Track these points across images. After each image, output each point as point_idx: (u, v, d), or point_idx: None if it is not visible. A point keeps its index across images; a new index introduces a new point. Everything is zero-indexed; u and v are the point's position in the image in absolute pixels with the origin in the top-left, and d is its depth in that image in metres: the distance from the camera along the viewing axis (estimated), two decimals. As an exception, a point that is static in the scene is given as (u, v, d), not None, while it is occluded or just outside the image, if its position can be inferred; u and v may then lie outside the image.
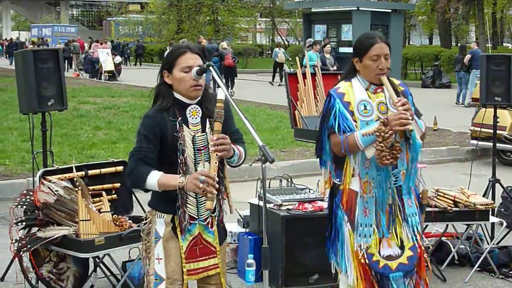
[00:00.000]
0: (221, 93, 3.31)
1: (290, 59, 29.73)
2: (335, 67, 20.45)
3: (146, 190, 3.42)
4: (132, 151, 3.42)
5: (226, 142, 3.31)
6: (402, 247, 3.80)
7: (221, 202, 3.58)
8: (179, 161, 3.40)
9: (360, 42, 3.86)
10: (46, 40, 43.69)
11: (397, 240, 3.80)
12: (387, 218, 3.79)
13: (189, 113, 3.46)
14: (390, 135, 3.61)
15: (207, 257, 3.56)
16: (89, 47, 32.72)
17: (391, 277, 3.76)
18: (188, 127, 3.43)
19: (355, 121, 3.74)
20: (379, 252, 3.77)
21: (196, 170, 3.42)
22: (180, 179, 3.29)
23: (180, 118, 3.42)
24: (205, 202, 3.37)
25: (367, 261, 3.75)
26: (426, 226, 5.88)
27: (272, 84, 28.04)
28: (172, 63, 3.45)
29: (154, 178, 3.32)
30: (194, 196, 3.46)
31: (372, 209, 3.78)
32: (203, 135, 3.46)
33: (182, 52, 3.44)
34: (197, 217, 3.49)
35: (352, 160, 3.78)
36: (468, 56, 20.43)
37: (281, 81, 28.15)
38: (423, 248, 3.91)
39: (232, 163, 3.49)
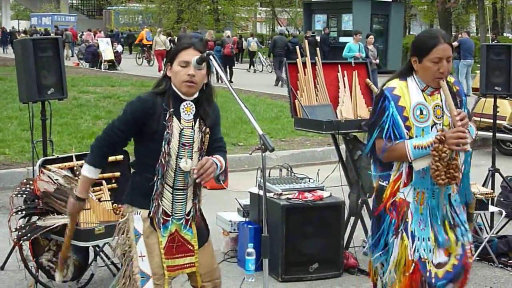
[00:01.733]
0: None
1: (262, 47, 30.44)
2: (377, 60, 18.15)
3: None
4: (110, 125, 3.48)
5: (207, 168, 3.36)
6: (449, 254, 3.60)
7: (197, 206, 3.59)
8: (163, 150, 3.40)
9: (422, 40, 3.48)
10: (47, 29, 43.65)
11: (451, 248, 3.58)
12: (444, 229, 3.57)
13: (182, 108, 3.46)
14: (447, 154, 3.31)
15: (183, 255, 3.55)
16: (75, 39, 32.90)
17: (438, 285, 3.53)
18: (179, 121, 3.44)
19: (409, 126, 3.44)
20: (432, 261, 3.54)
21: (177, 164, 3.43)
22: (78, 195, 3.59)
23: (172, 109, 3.42)
24: (182, 201, 3.48)
25: (422, 272, 3.50)
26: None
27: (249, 71, 29.43)
28: (173, 56, 3.48)
29: (84, 171, 3.53)
30: (171, 192, 3.47)
31: (427, 221, 3.53)
32: (191, 132, 3.47)
33: (185, 47, 3.46)
34: (171, 214, 3.49)
35: (403, 169, 3.51)
36: (453, 44, 20.35)
37: (254, 67, 30.15)
38: (470, 257, 3.71)
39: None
